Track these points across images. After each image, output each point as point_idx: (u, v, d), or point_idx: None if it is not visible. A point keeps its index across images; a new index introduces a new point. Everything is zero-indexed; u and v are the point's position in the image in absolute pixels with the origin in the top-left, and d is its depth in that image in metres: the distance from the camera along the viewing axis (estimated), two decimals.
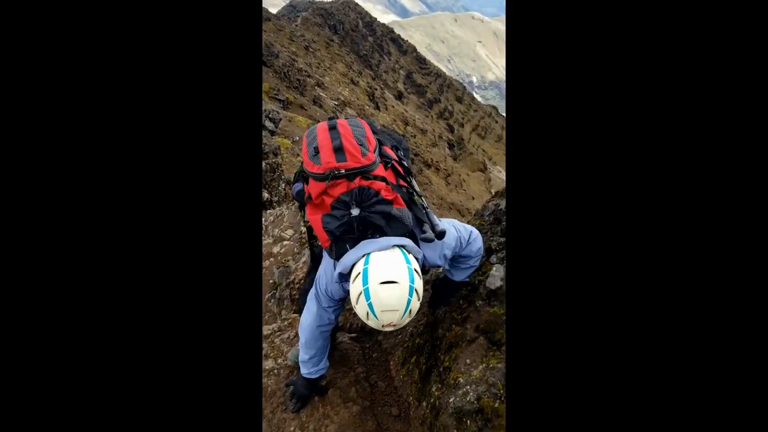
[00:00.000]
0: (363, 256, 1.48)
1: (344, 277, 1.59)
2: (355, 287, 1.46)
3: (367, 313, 1.42)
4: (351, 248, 1.56)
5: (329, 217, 1.60)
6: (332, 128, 1.75)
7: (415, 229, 1.66)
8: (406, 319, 1.44)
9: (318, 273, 1.81)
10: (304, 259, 3.75)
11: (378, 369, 2.13)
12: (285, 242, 5.30)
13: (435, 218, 1.74)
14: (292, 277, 3.73)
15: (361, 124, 1.84)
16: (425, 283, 2.29)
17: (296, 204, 5.59)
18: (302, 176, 1.87)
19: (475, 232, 1.77)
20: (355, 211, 1.58)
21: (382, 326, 1.44)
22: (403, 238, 1.58)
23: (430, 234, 1.65)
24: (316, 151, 1.68)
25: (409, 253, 1.53)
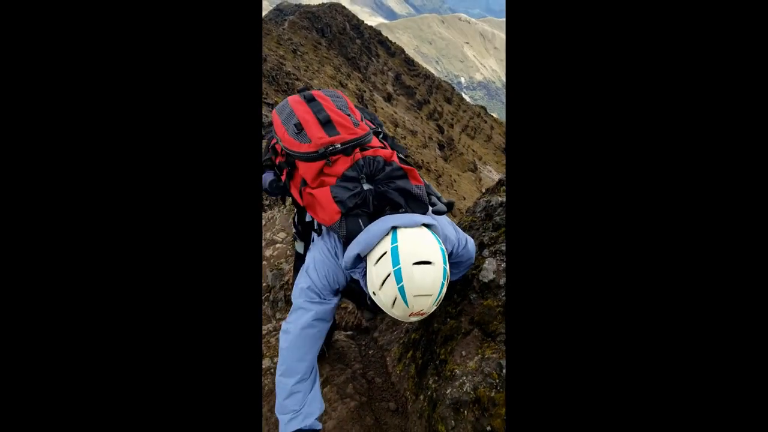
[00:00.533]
0: (389, 231, 1.28)
1: (359, 260, 1.33)
2: (380, 268, 1.24)
3: (395, 300, 1.22)
4: (365, 224, 1.33)
5: (339, 188, 1.37)
6: (310, 100, 1.53)
7: None
8: (434, 308, 1.26)
9: (307, 263, 1.48)
10: (297, 244, 3.76)
11: (375, 365, 2.15)
12: (277, 245, 5.31)
13: (437, 192, 1.62)
14: (286, 278, 3.74)
15: (339, 95, 1.64)
16: None
17: (286, 206, 5.53)
18: (273, 162, 1.65)
19: (471, 240, 1.66)
20: (366, 186, 1.37)
21: (410, 315, 1.24)
22: (429, 216, 1.38)
23: (441, 206, 1.49)
24: (299, 127, 1.45)
25: (436, 234, 1.33)
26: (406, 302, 1.20)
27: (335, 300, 1.48)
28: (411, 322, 1.53)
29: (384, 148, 1.47)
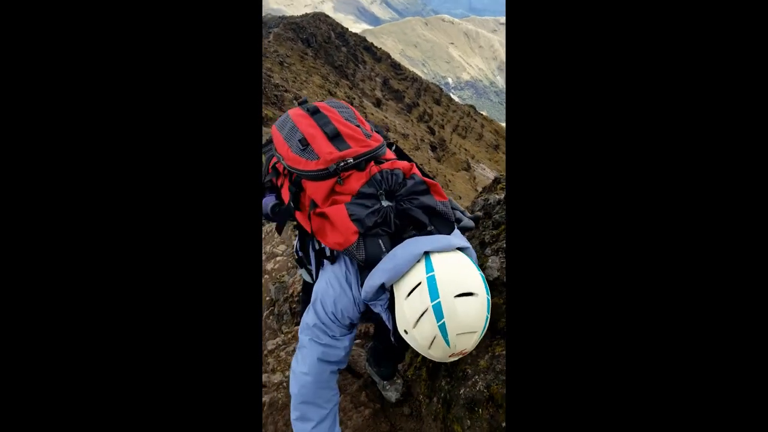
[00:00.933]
0: (421, 256, 1.11)
1: (382, 291, 1.17)
2: (415, 302, 1.07)
3: (434, 339, 1.05)
4: (387, 247, 1.16)
5: (355, 205, 1.19)
6: (314, 113, 1.39)
7: None
8: (476, 344, 1.10)
9: (316, 291, 1.30)
10: (300, 271, 3.77)
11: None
12: (278, 258, 5.31)
13: (459, 206, 1.43)
14: (290, 290, 3.74)
15: (345, 105, 1.49)
16: None
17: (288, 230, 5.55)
18: (274, 184, 1.50)
19: (473, 253, 1.47)
20: (386, 203, 1.21)
21: (450, 356, 1.08)
22: (461, 238, 1.23)
23: (467, 221, 1.33)
24: (305, 143, 1.31)
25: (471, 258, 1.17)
26: (447, 342, 1.03)
27: (347, 338, 1.31)
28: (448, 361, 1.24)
29: (400, 159, 1.34)
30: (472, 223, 1.32)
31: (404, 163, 1.30)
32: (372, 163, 1.26)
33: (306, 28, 39.16)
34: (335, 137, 1.29)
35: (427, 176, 1.35)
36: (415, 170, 1.31)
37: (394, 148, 1.46)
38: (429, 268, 1.08)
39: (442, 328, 1.02)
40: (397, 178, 1.24)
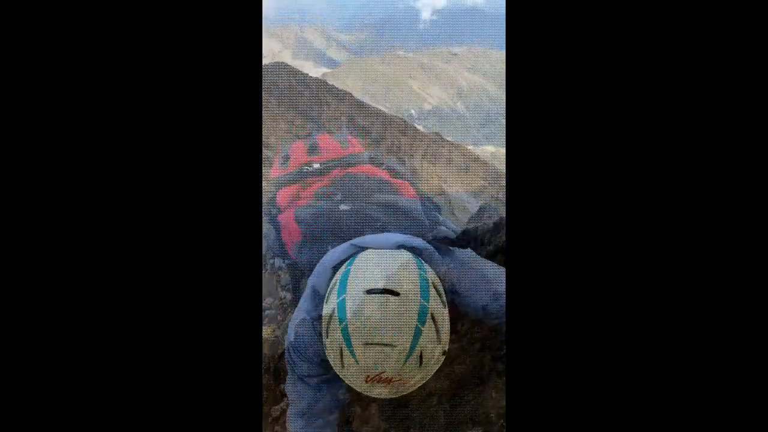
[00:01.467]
0: (350, 256, 0.95)
1: (319, 297, 0.98)
2: (328, 305, 0.89)
3: (341, 351, 0.84)
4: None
5: (305, 208, 1.13)
6: (307, 136, 1.52)
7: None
8: (413, 375, 0.84)
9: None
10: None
11: (399, 425, 2.05)
12: (265, 312, 5.12)
13: (451, 224, 1.28)
14: (287, 344, 3.60)
15: (345, 134, 1.61)
16: None
17: (269, 269, 5.41)
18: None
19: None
20: (344, 207, 1.11)
21: (367, 379, 0.85)
22: (418, 238, 1.01)
23: (442, 229, 1.09)
24: (286, 158, 1.39)
25: (426, 263, 0.96)
26: (353, 354, 0.81)
27: (319, 378, 1.05)
28: (377, 396, 0.97)
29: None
30: (449, 234, 1.08)
31: (373, 168, 1.27)
32: (339, 168, 1.26)
33: (265, 78, 40.05)
34: (313, 149, 1.36)
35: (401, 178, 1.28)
36: (383, 174, 1.25)
37: (384, 167, 1.44)
38: (350, 263, 0.92)
39: (345, 332, 0.82)
40: (358, 180, 1.19)
